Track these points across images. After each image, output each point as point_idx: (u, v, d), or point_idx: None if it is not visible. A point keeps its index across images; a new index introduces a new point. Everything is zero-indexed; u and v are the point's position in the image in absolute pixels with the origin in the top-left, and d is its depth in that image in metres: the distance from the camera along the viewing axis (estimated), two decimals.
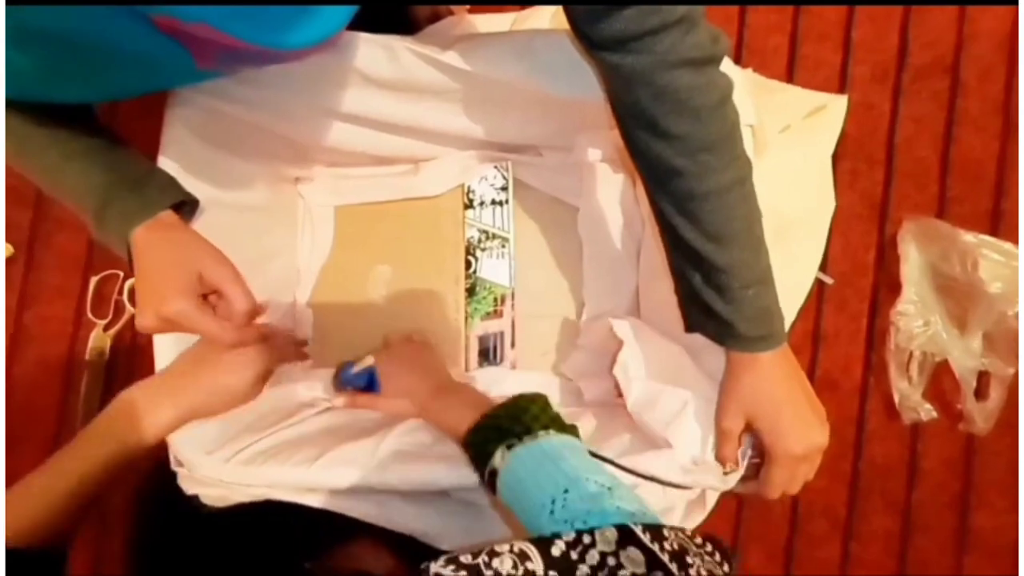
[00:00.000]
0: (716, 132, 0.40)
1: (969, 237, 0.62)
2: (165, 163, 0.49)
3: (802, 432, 0.42)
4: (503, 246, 0.65)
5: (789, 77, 0.69)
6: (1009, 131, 0.68)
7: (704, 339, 0.46)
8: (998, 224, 0.67)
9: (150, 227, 0.42)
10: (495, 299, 0.65)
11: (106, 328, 0.68)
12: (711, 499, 0.50)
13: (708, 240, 0.41)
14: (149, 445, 0.44)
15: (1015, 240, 0.63)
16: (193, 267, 0.42)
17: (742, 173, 0.42)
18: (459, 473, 0.44)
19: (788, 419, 0.42)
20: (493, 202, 0.65)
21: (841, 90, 0.68)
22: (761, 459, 0.43)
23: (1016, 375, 0.62)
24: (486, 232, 0.65)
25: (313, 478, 0.45)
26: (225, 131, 0.52)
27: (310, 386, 0.52)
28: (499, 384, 0.61)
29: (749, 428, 0.43)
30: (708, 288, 0.42)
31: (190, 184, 0.49)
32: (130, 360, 0.68)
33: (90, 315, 0.68)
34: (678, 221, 0.42)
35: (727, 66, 0.50)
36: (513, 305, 0.65)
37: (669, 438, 0.45)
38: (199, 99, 0.50)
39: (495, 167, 0.65)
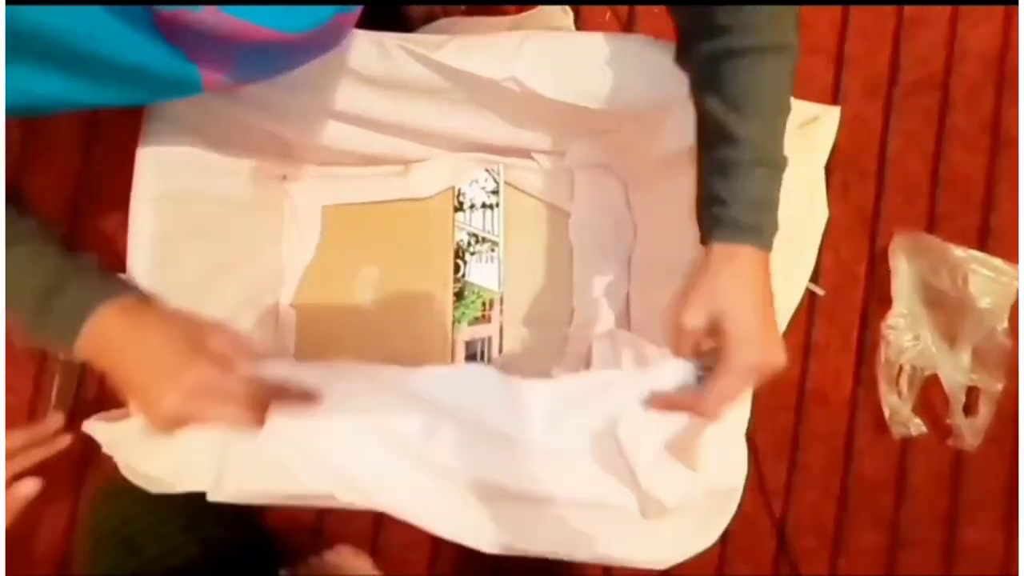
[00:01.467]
0: None
1: (959, 252, 0.62)
2: (147, 155, 0.47)
3: (769, 343, 0.38)
4: (492, 250, 0.64)
5: None
6: (997, 148, 0.69)
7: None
8: (986, 239, 0.67)
9: (120, 309, 0.33)
10: (483, 304, 0.64)
11: None
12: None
13: (730, 109, 0.37)
14: None
15: (1003, 255, 0.64)
16: (195, 342, 0.35)
17: (786, 44, 0.38)
18: None
19: (758, 325, 0.38)
20: (483, 205, 0.64)
21: (833, 103, 0.69)
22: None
23: (1004, 390, 0.62)
24: (476, 236, 0.64)
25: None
26: (209, 125, 0.51)
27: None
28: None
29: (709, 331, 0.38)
30: (715, 165, 0.39)
31: (171, 178, 0.48)
32: None
33: None
34: (705, 87, 0.38)
35: None
36: (502, 310, 0.64)
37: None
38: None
39: (486, 170, 0.64)
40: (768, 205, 0.41)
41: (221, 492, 0.46)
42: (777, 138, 0.40)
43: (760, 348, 0.37)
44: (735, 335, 0.37)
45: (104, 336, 0.33)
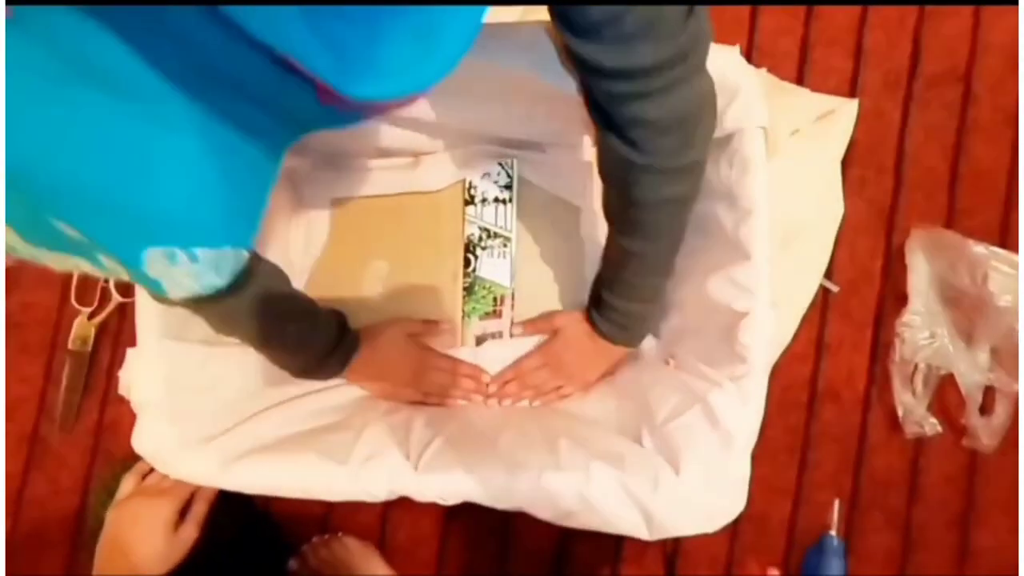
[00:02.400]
0: (656, 220, 0.46)
1: (979, 249, 0.61)
2: None
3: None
4: (504, 245, 0.63)
5: (799, 81, 0.68)
6: (1019, 143, 0.67)
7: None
8: (1006, 236, 0.66)
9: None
10: (494, 299, 0.63)
11: (91, 316, 0.66)
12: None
13: (613, 268, 0.52)
14: None
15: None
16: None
17: (658, 251, 0.49)
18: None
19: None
20: (496, 200, 0.63)
21: (852, 96, 0.67)
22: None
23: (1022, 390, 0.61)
24: (487, 230, 0.63)
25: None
26: None
27: None
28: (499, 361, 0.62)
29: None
30: (599, 288, 0.55)
31: None
32: (114, 350, 0.66)
33: (74, 303, 0.66)
34: (609, 240, 0.51)
35: (742, 65, 0.49)
36: (513, 305, 0.63)
37: None
38: None
39: (499, 164, 0.63)
40: (634, 320, 0.55)
41: (223, 476, 0.46)
42: (660, 272, 0.52)
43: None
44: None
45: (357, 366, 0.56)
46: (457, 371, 0.60)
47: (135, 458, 0.48)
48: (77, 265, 0.31)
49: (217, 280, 0.32)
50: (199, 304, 0.43)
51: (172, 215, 0.28)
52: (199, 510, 0.50)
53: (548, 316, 0.61)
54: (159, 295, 0.36)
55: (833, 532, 0.51)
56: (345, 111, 0.31)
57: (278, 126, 0.31)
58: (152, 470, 0.51)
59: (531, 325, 0.62)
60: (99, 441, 0.66)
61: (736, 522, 0.61)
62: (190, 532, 0.49)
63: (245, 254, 0.32)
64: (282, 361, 0.52)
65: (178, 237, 0.29)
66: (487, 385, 0.61)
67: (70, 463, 0.65)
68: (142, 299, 0.48)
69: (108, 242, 0.29)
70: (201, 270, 0.30)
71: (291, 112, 0.31)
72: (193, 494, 0.51)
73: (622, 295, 0.53)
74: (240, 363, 0.55)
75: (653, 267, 0.50)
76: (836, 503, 0.49)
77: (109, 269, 0.31)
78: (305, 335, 0.51)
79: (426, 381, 0.59)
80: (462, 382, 0.60)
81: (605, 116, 0.40)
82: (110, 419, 0.66)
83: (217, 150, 0.28)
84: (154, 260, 0.29)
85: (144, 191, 0.27)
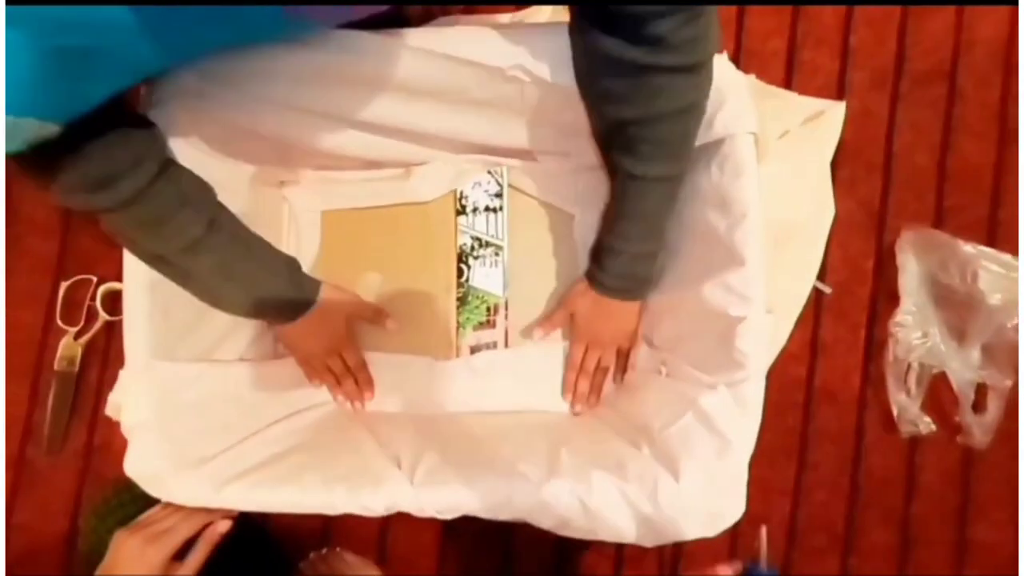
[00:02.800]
0: (670, 134, 0.46)
1: (969, 248, 0.61)
2: None
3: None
4: (496, 254, 0.63)
5: (787, 82, 0.68)
6: (1006, 139, 0.67)
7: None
8: (995, 233, 0.66)
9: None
10: (488, 308, 0.63)
11: (77, 336, 0.65)
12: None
13: (620, 204, 0.51)
14: None
15: (1012, 250, 0.63)
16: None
17: (671, 172, 0.49)
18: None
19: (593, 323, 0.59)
20: (487, 208, 0.63)
21: (839, 96, 0.68)
22: None
23: (1014, 387, 0.62)
24: (479, 239, 0.63)
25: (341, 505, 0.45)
26: (206, 132, 0.50)
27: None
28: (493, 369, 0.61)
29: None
30: (603, 240, 0.54)
31: None
32: (102, 371, 0.65)
33: (60, 322, 0.64)
34: (614, 175, 0.51)
35: (731, 70, 0.48)
36: (507, 315, 0.63)
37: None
38: (178, 99, 0.47)
39: (489, 172, 0.63)
40: (633, 277, 0.55)
41: (219, 499, 0.45)
42: (652, 238, 0.53)
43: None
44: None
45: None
46: (351, 371, 0.60)
47: (126, 480, 0.47)
48: None
49: (8, 145, 0.34)
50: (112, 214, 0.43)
51: None
52: (201, 554, 0.48)
53: (558, 307, 0.60)
54: None
55: (762, 563, 0.46)
56: (302, 20, 0.39)
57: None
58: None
59: (547, 323, 0.61)
60: (89, 463, 0.65)
61: (736, 524, 0.62)
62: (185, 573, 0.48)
63: (53, 127, 0.35)
64: (224, 297, 0.51)
65: None
66: (570, 398, 0.61)
67: (59, 487, 0.64)
68: (130, 317, 0.47)
69: None
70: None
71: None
72: (199, 532, 0.49)
73: (632, 235, 0.51)
74: (233, 381, 0.54)
75: (671, 192, 0.49)
76: (763, 531, 0.46)
77: None
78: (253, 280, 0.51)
79: (327, 362, 0.59)
80: (347, 383, 0.60)
81: (626, 28, 0.40)
82: (100, 440, 0.65)
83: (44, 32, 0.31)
84: None
85: None
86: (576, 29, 0.44)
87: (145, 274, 0.45)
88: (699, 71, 0.43)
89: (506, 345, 0.62)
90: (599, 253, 0.55)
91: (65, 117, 0.35)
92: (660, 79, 0.42)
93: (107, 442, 0.64)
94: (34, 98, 0.33)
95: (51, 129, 0.35)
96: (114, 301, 0.64)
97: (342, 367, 0.60)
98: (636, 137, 0.46)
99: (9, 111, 0.32)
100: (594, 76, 0.45)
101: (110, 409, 0.54)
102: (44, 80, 0.32)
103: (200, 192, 0.48)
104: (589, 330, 0.59)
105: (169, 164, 0.45)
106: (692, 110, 0.45)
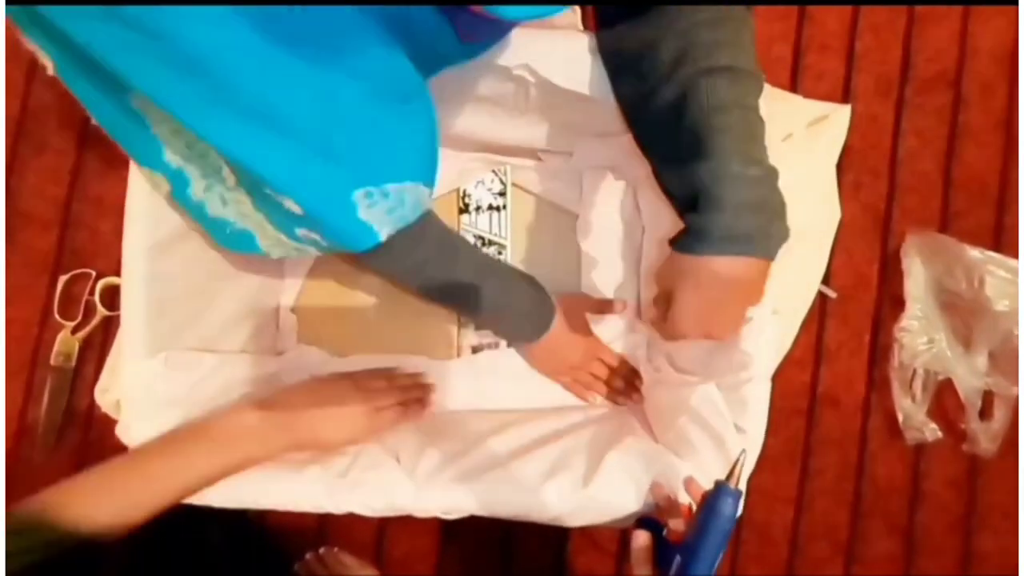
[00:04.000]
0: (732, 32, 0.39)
1: (975, 253, 0.61)
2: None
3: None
4: (499, 253, 0.62)
5: (793, 87, 0.68)
6: (1010, 146, 0.67)
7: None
8: (1000, 239, 0.66)
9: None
10: None
11: (74, 331, 0.64)
12: None
13: (708, 145, 0.38)
14: (252, 467, 0.45)
15: (1015, 254, 0.62)
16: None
17: (749, 98, 0.40)
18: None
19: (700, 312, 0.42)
20: (490, 207, 0.62)
21: (845, 101, 0.67)
22: None
23: (1020, 395, 0.61)
24: (482, 238, 0.62)
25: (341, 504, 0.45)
26: None
27: None
28: (495, 369, 0.60)
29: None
30: (694, 182, 0.39)
31: (164, 182, 0.46)
32: (99, 365, 0.64)
33: (57, 317, 0.64)
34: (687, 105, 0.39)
35: None
36: None
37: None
38: None
39: (493, 171, 0.62)
40: (765, 206, 0.40)
41: (218, 497, 0.45)
42: (758, 142, 0.40)
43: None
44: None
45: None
46: (616, 371, 0.58)
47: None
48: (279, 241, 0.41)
49: (408, 214, 0.40)
50: (399, 262, 0.47)
51: (367, 154, 0.36)
52: (396, 416, 0.52)
53: (649, 306, 0.50)
54: (368, 256, 0.43)
55: (732, 481, 0.38)
56: (475, 43, 0.42)
57: (428, 65, 0.40)
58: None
59: (656, 312, 0.46)
60: (84, 460, 0.64)
61: (738, 530, 0.61)
62: (388, 417, 0.51)
63: (426, 190, 0.40)
64: (475, 318, 0.55)
65: (373, 176, 0.36)
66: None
67: (52, 484, 0.63)
68: (127, 311, 0.46)
69: (321, 197, 0.36)
70: (393, 204, 0.38)
71: (437, 51, 0.41)
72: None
73: (748, 161, 0.38)
74: (234, 373, 0.53)
75: (755, 119, 0.39)
76: (743, 455, 0.38)
77: (303, 241, 0.41)
78: (499, 293, 0.51)
79: (592, 370, 0.57)
80: (618, 383, 0.58)
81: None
82: (96, 437, 0.64)
83: (394, 93, 0.36)
84: (360, 202, 0.37)
85: (345, 132, 0.34)
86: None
87: (143, 267, 0.45)
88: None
89: (508, 344, 0.62)
90: (701, 195, 0.38)
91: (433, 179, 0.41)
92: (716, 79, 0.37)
93: (104, 437, 0.63)
94: (431, 162, 0.39)
95: (425, 193, 0.41)
96: (113, 296, 0.63)
97: (607, 370, 0.57)
98: (696, 42, 0.38)
99: (418, 178, 0.38)
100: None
101: (102, 401, 0.53)
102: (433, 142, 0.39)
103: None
104: (700, 322, 0.42)
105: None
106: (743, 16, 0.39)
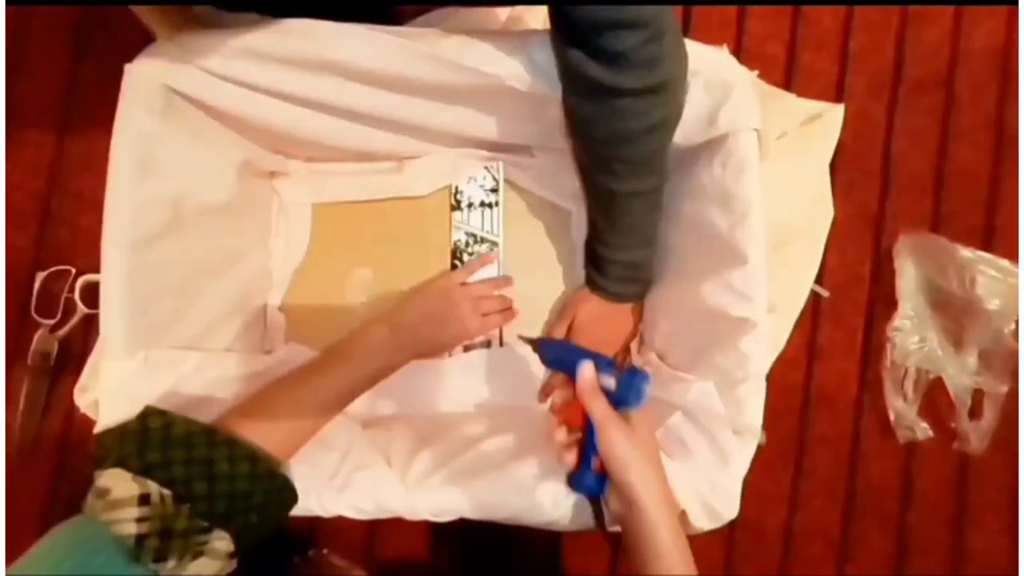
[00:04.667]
0: (641, 152, 0.46)
1: (967, 253, 0.61)
2: (124, 149, 0.44)
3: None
4: (492, 249, 0.61)
5: (787, 85, 0.68)
6: (1002, 147, 0.68)
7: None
8: (991, 239, 0.66)
9: None
10: None
11: (53, 329, 0.62)
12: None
13: (606, 218, 0.52)
14: (379, 379, 0.51)
15: (1007, 255, 0.63)
16: None
17: (649, 186, 0.49)
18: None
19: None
20: (482, 204, 0.62)
21: (838, 100, 0.67)
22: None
23: (1010, 394, 0.61)
24: (474, 235, 0.62)
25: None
26: (190, 116, 0.48)
27: None
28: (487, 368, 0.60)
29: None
30: (596, 248, 0.55)
31: (151, 176, 0.44)
32: (79, 365, 0.62)
33: (35, 315, 0.62)
34: (595, 191, 0.52)
35: (735, 66, 0.48)
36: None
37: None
38: (158, 75, 0.45)
39: (486, 168, 0.61)
40: (635, 280, 0.56)
41: None
42: (638, 246, 0.54)
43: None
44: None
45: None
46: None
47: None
48: None
49: None
50: None
51: None
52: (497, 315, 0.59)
53: (557, 320, 0.59)
54: None
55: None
56: None
57: None
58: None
59: (555, 329, 0.59)
60: (63, 461, 0.62)
61: (732, 530, 0.61)
62: (494, 320, 0.59)
63: None
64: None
65: None
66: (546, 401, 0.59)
67: (30, 487, 0.61)
68: (107, 308, 0.44)
69: None
70: None
71: None
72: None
73: (624, 245, 0.52)
74: (216, 370, 0.52)
75: (653, 202, 0.50)
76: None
77: None
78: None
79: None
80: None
81: (587, 41, 0.40)
82: (76, 438, 0.62)
83: None
84: None
85: None
86: (552, 39, 0.44)
87: (123, 262, 0.43)
88: (663, 91, 0.43)
89: (500, 343, 0.61)
90: (597, 261, 0.55)
91: None
92: (623, 101, 0.42)
93: (82, 439, 0.62)
94: None
95: None
96: (94, 294, 0.60)
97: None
98: (608, 156, 0.47)
99: None
100: (566, 94, 0.45)
101: (81, 399, 0.51)
102: None
103: None
104: (591, 336, 0.57)
105: None
106: (660, 128, 0.45)
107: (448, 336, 0.56)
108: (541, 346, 0.49)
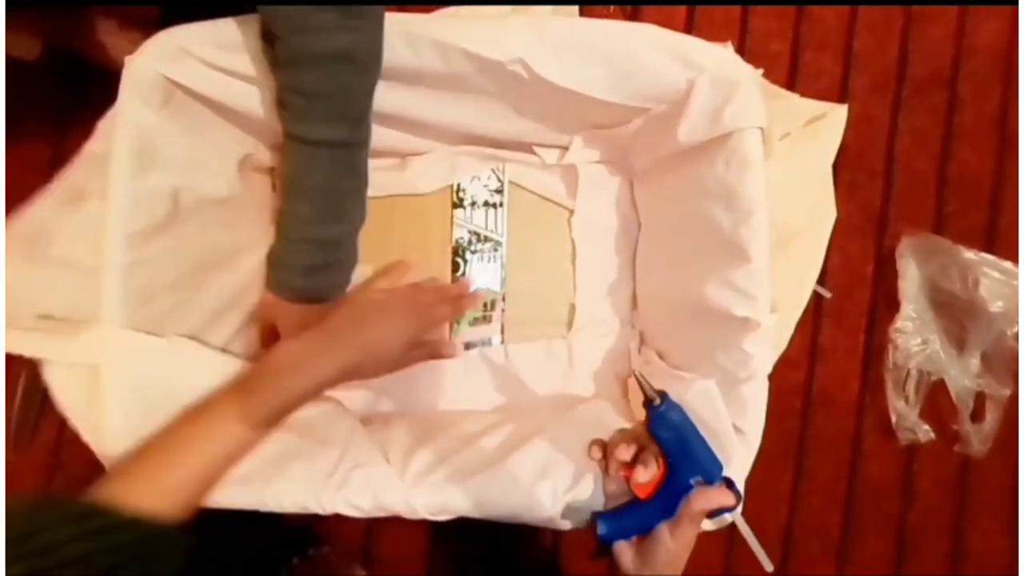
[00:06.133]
0: (323, 84, 0.40)
1: (970, 254, 0.61)
2: (122, 144, 0.43)
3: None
4: (495, 249, 0.61)
5: (790, 84, 0.67)
6: (1005, 147, 0.67)
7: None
8: (994, 241, 0.66)
9: None
10: (484, 304, 0.61)
11: None
12: None
13: (285, 182, 0.44)
14: (308, 398, 0.42)
15: (1011, 257, 0.63)
16: None
17: (343, 139, 0.43)
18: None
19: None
20: (486, 203, 0.61)
21: (841, 99, 0.67)
22: None
23: (1012, 397, 0.61)
24: (477, 234, 0.61)
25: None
26: (190, 109, 0.47)
27: None
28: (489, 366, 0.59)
29: None
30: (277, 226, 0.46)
31: (148, 171, 0.44)
32: None
33: None
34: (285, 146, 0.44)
35: (740, 63, 0.47)
36: (503, 311, 0.61)
37: None
38: (159, 67, 0.44)
39: (492, 170, 0.61)
40: (320, 267, 0.47)
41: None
42: (328, 221, 0.46)
43: None
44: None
45: None
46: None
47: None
48: None
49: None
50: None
51: None
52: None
53: (260, 336, 0.54)
54: None
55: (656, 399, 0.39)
56: None
57: None
58: None
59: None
60: (59, 457, 0.61)
61: (732, 530, 0.60)
62: (442, 313, 0.50)
63: None
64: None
65: None
66: None
67: (26, 483, 0.61)
68: (104, 301, 0.44)
69: None
70: None
71: None
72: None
73: (319, 220, 0.46)
74: (219, 368, 0.51)
75: (348, 162, 0.45)
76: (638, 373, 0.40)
77: None
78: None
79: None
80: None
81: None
82: (71, 435, 0.61)
83: None
84: None
85: None
86: None
87: (122, 255, 0.43)
88: (356, 15, 0.38)
89: (502, 341, 0.60)
90: (274, 247, 0.46)
91: None
92: (303, 11, 0.37)
93: (78, 436, 0.61)
94: None
95: None
96: None
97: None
98: (287, 86, 0.41)
99: None
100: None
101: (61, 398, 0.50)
102: None
103: None
104: (315, 365, 0.45)
105: None
106: (345, 60, 0.39)
107: (381, 344, 0.46)
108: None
